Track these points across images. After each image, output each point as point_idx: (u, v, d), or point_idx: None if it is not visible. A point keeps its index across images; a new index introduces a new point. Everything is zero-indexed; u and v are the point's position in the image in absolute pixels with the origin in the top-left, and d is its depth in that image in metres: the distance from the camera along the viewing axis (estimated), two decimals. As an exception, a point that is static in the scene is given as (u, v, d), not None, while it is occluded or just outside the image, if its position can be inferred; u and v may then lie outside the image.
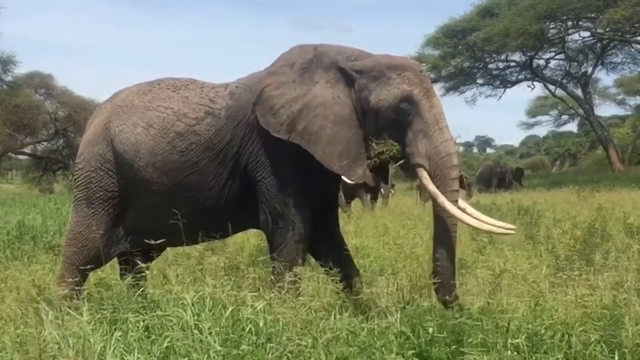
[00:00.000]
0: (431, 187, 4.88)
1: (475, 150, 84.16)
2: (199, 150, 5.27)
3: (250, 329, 3.94)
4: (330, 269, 5.16)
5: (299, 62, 5.27)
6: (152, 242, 5.08)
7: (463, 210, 4.92)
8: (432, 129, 4.93)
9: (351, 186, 12.92)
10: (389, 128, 5.01)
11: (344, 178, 5.48)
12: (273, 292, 4.50)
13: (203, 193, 5.31)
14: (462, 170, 21.52)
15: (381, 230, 10.07)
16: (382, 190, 16.80)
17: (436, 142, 4.91)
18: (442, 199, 4.81)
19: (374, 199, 16.74)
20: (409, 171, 5.21)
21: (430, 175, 4.91)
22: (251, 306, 4.13)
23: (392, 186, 19.09)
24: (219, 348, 3.72)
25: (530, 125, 58.54)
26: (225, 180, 5.30)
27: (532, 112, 56.87)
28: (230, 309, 4.07)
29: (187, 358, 3.70)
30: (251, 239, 8.26)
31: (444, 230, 4.92)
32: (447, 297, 4.73)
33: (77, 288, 5.38)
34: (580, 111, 45.74)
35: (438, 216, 4.94)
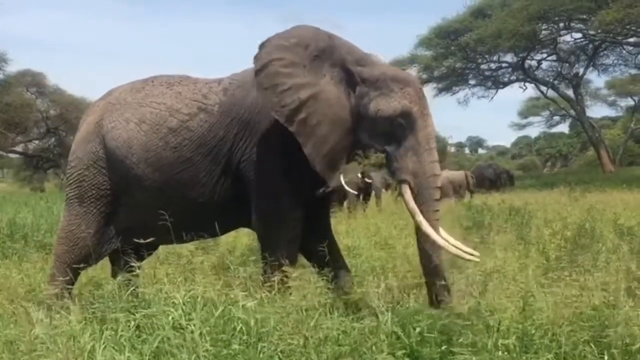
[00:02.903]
0: (412, 204, 4.92)
1: (467, 150, 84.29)
2: (192, 146, 5.26)
3: (241, 328, 3.94)
4: (322, 268, 5.18)
5: (313, 46, 5.15)
6: (142, 241, 5.08)
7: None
8: (422, 148, 4.98)
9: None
10: (381, 138, 5.04)
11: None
12: (264, 292, 4.50)
13: (196, 190, 5.29)
14: (467, 170, 21.47)
15: (373, 230, 10.08)
16: (374, 191, 16.81)
17: (424, 161, 4.97)
18: (419, 218, 4.87)
19: (366, 200, 16.75)
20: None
21: (412, 192, 4.96)
22: (242, 305, 4.12)
23: (388, 186, 19.12)
24: (209, 347, 3.72)
25: (522, 126, 58.89)
26: (218, 177, 5.29)
27: (524, 113, 57.16)
28: (221, 308, 4.06)
29: (177, 357, 3.69)
30: (242, 238, 8.25)
31: (429, 254, 4.95)
32: (443, 299, 4.80)
33: (68, 287, 5.37)
34: (572, 112, 46.01)
35: (423, 240, 4.97)
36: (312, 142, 5.02)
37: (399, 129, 4.99)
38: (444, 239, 4.95)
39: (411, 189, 4.95)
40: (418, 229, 4.97)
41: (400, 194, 5.11)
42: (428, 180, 4.96)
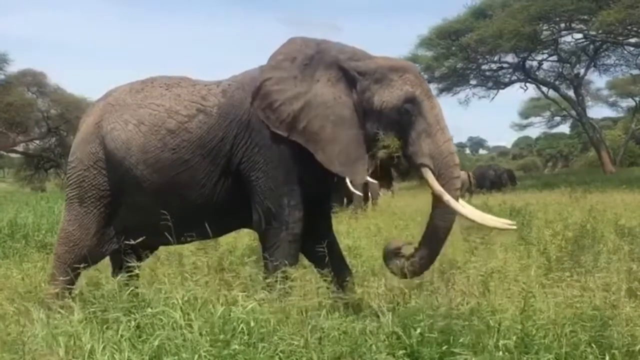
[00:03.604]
0: (437, 186, 4.97)
1: (467, 151, 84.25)
2: (191, 147, 5.26)
3: (241, 328, 3.94)
4: (322, 268, 5.17)
5: (300, 57, 5.27)
6: (132, 242, 5.09)
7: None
8: (434, 129, 5.04)
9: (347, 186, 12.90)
10: (391, 129, 5.07)
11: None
12: (264, 292, 4.50)
13: (194, 191, 5.29)
14: (468, 171, 21.49)
15: (373, 230, 10.08)
16: (369, 192, 16.78)
17: (439, 141, 5.03)
18: (447, 197, 4.92)
19: (365, 200, 16.73)
20: (406, 169, 5.31)
21: (434, 174, 4.99)
22: (242, 306, 4.12)
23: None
24: (209, 347, 3.72)
25: (522, 127, 58.65)
26: (217, 178, 5.29)
27: (525, 114, 56.97)
28: (222, 308, 4.06)
29: (177, 357, 3.69)
30: (243, 238, 8.25)
31: (438, 228, 5.06)
32: (410, 274, 4.99)
33: (68, 287, 5.37)
34: (573, 113, 45.92)
35: (436, 214, 5.07)
36: (321, 146, 5.06)
37: (406, 116, 5.04)
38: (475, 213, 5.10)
39: (432, 170, 5.00)
40: (436, 207, 5.04)
41: (424, 179, 5.10)
42: (446, 160, 5.03)
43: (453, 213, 5.02)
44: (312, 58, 5.26)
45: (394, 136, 5.04)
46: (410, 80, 5.11)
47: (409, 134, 5.04)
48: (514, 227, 5.26)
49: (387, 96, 5.07)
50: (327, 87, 5.17)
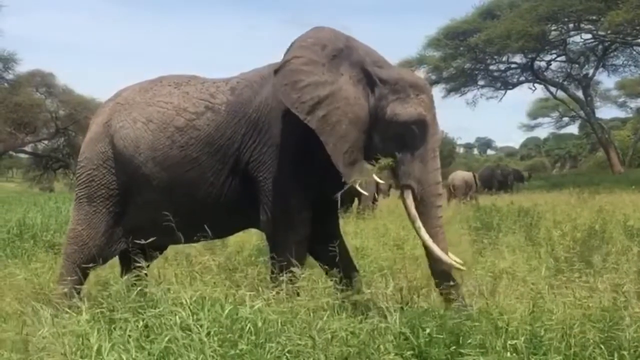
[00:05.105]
0: (413, 211, 5.02)
1: (475, 151, 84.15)
2: (199, 145, 5.26)
3: (249, 328, 3.94)
4: (330, 269, 5.17)
5: (330, 46, 5.20)
6: (144, 241, 5.09)
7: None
8: (429, 155, 5.06)
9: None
10: (393, 142, 5.08)
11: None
12: (272, 292, 4.50)
13: (203, 189, 5.29)
14: (474, 172, 21.46)
15: (381, 231, 10.06)
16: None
17: (430, 168, 5.06)
18: (418, 224, 4.98)
19: (374, 201, 16.71)
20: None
21: (415, 198, 5.02)
22: (250, 306, 4.12)
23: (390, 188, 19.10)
24: (217, 347, 3.72)
25: (531, 127, 58.48)
26: (225, 177, 5.29)
27: (533, 114, 56.81)
28: (229, 308, 4.06)
29: (185, 358, 3.69)
30: (251, 238, 8.25)
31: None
32: (454, 298, 4.84)
33: (77, 286, 5.38)
34: (581, 113, 45.81)
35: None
36: (333, 140, 5.03)
37: (411, 135, 5.04)
38: (441, 249, 4.98)
39: (414, 194, 5.02)
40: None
41: (402, 198, 5.14)
42: (431, 187, 5.05)
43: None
44: (341, 51, 5.21)
45: (389, 155, 5.06)
46: (424, 103, 5.11)
47: (407, 153, 5.06)
48: (463, 267, 5.14)
49: (399, 110, 5.06)
50: (350, 84, 5.14)
